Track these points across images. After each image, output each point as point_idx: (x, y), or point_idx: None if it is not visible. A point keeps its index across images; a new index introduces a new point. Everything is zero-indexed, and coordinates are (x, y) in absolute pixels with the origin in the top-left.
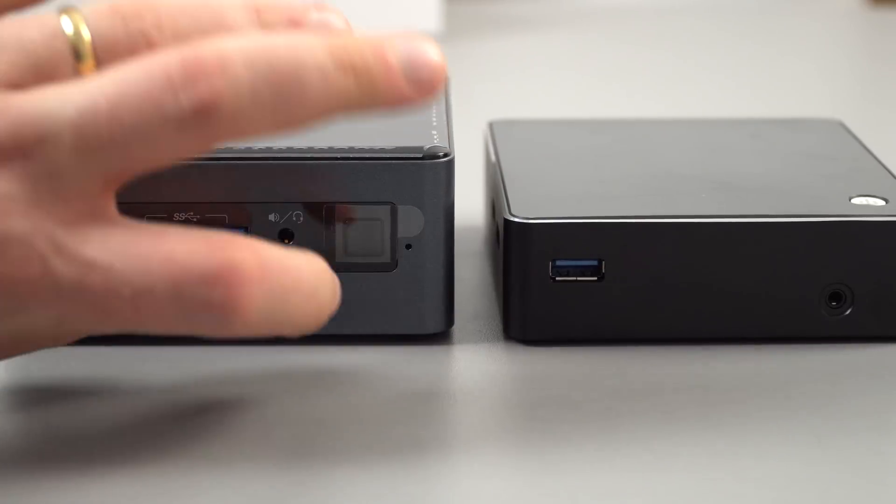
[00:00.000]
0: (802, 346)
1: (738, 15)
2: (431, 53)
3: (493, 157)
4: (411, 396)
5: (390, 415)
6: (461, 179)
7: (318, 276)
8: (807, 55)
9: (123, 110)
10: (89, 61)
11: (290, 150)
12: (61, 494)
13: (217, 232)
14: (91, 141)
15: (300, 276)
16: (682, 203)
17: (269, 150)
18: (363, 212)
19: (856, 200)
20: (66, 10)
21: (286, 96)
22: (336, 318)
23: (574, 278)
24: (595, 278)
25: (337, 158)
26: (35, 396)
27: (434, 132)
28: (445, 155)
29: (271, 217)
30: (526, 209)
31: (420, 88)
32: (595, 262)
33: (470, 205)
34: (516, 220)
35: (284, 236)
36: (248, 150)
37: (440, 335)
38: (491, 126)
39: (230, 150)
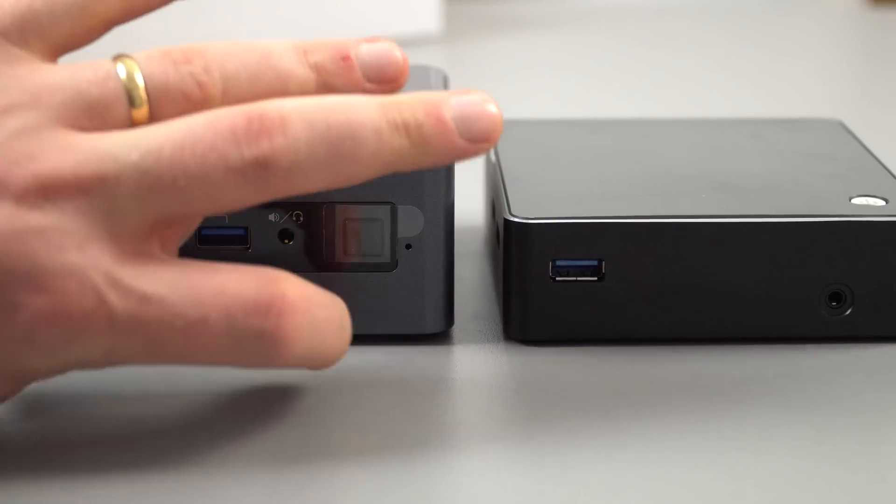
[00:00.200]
0: (802, 346)
1: (738, 15)
2: (487, 107)
3: (493, 157)
4: (411, 396)
5: (390, 415)
6: (461, 179)
7: (342, 311)
8: (807, 55)
9: (188, 156)
10: (143, 106)
11: None
12: (61, 496)
13: (263, 267)
14: (153, 183)
15: (333, 311)
16: (682, 203)
17: None
18: (363, 212)
19: (856, 200)
20: (119, 55)
21: (341, 155)
22: None
23: (574, 278)
24: (595, 278)
25: None
26: (35, 398)
27: None
28: None
29: (271, 217)
30: (526, 209)
31: (476, 142)
32: (595, 262)
33: (470, 205)
34: (516, 220)
35: (284, 236)
36: None
37: (440, 335)
38: None
39: None
